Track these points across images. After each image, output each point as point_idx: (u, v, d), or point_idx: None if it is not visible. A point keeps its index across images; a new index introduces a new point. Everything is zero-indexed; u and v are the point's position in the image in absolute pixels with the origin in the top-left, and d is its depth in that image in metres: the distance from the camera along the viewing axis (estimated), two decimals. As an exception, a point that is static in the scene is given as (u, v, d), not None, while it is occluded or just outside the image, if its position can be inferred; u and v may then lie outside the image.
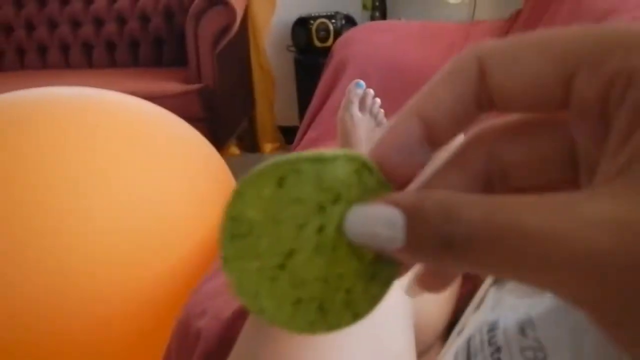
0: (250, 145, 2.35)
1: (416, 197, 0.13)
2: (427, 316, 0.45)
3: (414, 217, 0.13)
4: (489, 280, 0.39)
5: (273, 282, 0.16)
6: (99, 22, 2.22)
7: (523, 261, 0.12)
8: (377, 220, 0.14)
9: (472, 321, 0.36)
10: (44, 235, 0.73)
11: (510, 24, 1.27)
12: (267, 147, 2.33)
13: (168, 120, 0.97)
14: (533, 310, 0.26)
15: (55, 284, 0.73)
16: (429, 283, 0.17)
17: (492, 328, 0.28)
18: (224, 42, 1.86)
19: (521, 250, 0.12)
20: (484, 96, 0.15)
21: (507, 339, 0.26)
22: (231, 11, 1.79)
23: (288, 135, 2.31)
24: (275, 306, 0.16)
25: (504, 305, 0.30)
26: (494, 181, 0.16)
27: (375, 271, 0.16)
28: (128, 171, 0.82)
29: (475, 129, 0.16)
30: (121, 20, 2.20)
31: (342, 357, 0.32)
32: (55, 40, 2.24)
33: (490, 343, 0.27)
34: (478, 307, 0.37)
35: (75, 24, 2.23)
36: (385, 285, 0.16)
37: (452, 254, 0.13)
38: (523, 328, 0.26)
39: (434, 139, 0.15)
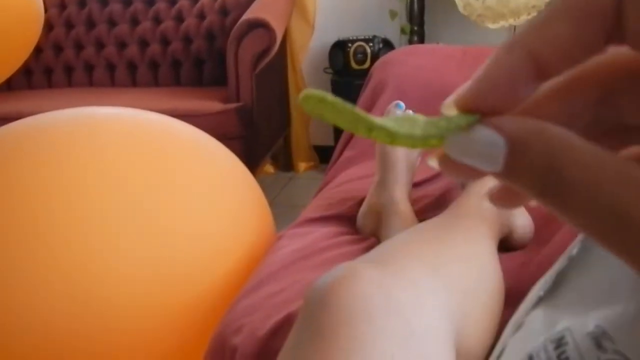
0: (285, 164, 2.37)
1: (522, 129, 0.13)
2: (468, 341, 0.43)
3: (515, 151, 0.13)
4: (527, 304, 0.38)
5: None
6: (143, 43, 2.31)
7: (620, 238, 0.12)
8: (479, 142, 0.14)
9: (515, 343, 0.35)
10: (75, 262, 0.74)
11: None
12: (302, 166, 2.34)
13: (201, 139, 0.98)
14: (604, 323, 0.25)
15: (91, 310, 0.73)
16: (502, 199, 0.16)
17: (559, 344, 0.27)
18: (263, 64, 1.90)
19: (621, 233, 0.12)
20: (616, 34, 0.13)
21: (581, 355, 0.25)
22: (272, 34, 1.83)
23: (323, 155, 2.32)
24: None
25: (561, 323, 0.29)
26: (599, 124, 0.15)
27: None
28: (161, 192, 0.82)
29: (595, 58, 0.14)
30: (165, 42, 2.28)
31: None
32: (102, 60, 2.34)
33: None
34: (517, 329, 0.36)
35: (121, 45, 2.33)
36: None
37: (546, 196, 0.13)
38: (599, 341, 0.24)
39: (540, 76, 0.14)
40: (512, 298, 0.54)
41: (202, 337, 0.73)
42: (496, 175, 0.14)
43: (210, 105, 1.85)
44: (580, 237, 0.37)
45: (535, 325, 0.33)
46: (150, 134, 0.91)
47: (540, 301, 0.36)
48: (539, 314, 0.34)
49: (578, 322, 0.27)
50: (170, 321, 0.78)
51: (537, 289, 0.36)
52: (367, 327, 0.34)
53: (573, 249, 0.37)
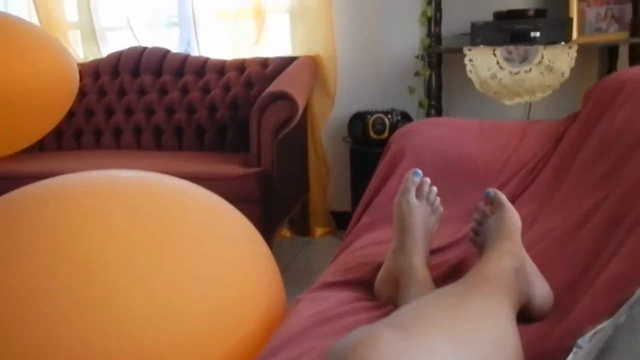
0: (302, 228, 2.38)
1: None
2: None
3: None
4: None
5: None
6: (170, 111, 2.41)
7: None
8: None
9: None
10: (84, 330, 0.72)
11: (568, 125, 1.29)
12: (318, 231, 2.35)
13: (215, 204, 0.97)
14: None
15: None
16: None
17: None
18: (284, 132, 1.96)
19: None
20: None
21: None
22: (294, 105, 1.91)
23: (340, 220, 2.33)
24: None
25: None
26: None
27: None
28: (170, 262, 0.80)
29: None
30: (191, 110, 2.39)
31: None
32: (130, 125, 2.45)
33: None
34: None
35: (149, 112, 2.44)
36: None
37: None
38: None
39: None
40: (533, 369, 0.53)
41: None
42: None
43: (232, 169, 1.90)
44: (627, 305, 0.38)
45: None
46: (163, 198, 0.91)
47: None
48: None
49: None
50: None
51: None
52: None
53: (621, 316, 0.37)
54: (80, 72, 2.50)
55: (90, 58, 2.63)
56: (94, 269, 0.77)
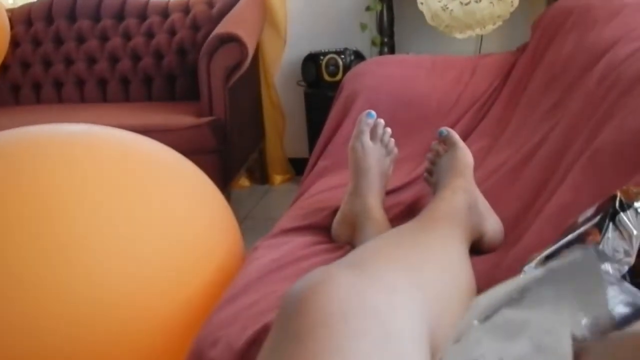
0: (260, 177, 2.37)
1: None
2: (443, 343, 0.44)
3: None
4: (471, 315, 0.39)
5: None
6: (114, 59, 2.28)
7: None
8: None
9: (451, 353, 0.36)
10: (32, 279, 0.73)
11: (517, 57, 1.30)
12: (277, 178, 2.34)
13: (169, 156, 0.97)
14: (505, 355, 0.27)
15: (65, 321, 0.72)
16: None
17: None
18: (235, 78, 1.90)
19: None
20: None
21: None
22: (243, 48, 1.84)
23: (298, 167, 2.32)
24: None
25: (482, 344, 0.30)
26: None
27: None
28: (127, 210, 0.81)
29: None
30: (135, 57, 2.26)
31: None
32: (71, 76, 2.31)
33: None
34: (458, 340, 0.37)
35: (91, 61, 2.30)
36: None
37: None
38: None
39: None
40: (484, 299, 0.55)
41: (179, 352, 0.72)
42: None
43: (183, 119, 1.84)
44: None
45: (471, 339, 0.35)
46: (118, 151, 0.90)
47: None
48: (476, 329, 0.35)
49: (490, 349, 0.29)
50: (144, 337, 0.76)
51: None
52: (343, 329, 0.34)
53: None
54: (10, 19, 2.31)
55: (20, 3, 2.42)
56: (42, 232, 0.75)
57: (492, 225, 0.74)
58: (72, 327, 0.73)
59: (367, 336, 0.35)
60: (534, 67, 1.13)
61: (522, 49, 1.32)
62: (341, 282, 0.38)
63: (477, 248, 0.72)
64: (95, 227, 0.77)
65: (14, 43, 2.33)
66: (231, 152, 1.91)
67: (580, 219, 0.48)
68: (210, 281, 0.84)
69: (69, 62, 2.31)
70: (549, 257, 0.45)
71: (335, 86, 1.55)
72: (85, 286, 0.74)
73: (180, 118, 1.85)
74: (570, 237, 0.44)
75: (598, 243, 0.41)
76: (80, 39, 2.31)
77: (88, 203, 0.79)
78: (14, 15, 2.35)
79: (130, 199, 0.83)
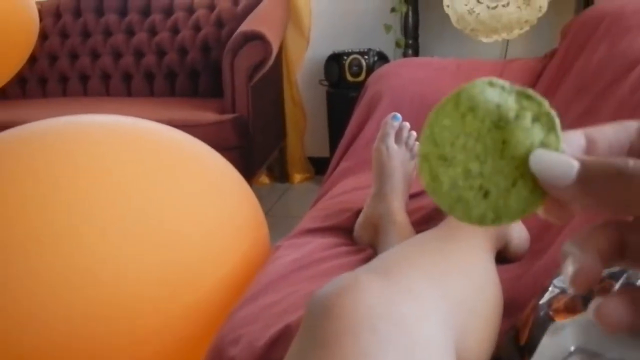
0: (280, 175, 2.37)
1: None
2: (469, 353, 0.44)
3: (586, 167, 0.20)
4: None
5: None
6: (139, 54, 2.31)
7: None
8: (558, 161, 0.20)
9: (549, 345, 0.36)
10: (70, 265, 0.74)
11: (545, 63, 1.28)
12: (297, 177, 2.35)
13: (199, 149, 0.98)
14: None
15: (85, 317, 0.73)
16: (554, 212, 0.21)
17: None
18: (259, 75, 1.90)
19: None
20: None
21: None
22: (267, 46, 1.85)
23: (318, 166, 2.32)
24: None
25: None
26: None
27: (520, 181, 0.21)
28: (157, 199, 0.82)
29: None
30: (160, 53, 2.29)
31: None
32: (97, 70, 2.34)
33: None
34: (555, 332, 0.37)
35: (117, 55, 2.33)
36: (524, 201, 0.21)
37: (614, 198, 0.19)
38: None
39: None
40: (509, 309, 0.55)
41: (199, 347, 0.73)
42: (567, 186, 0.20)
43: (206, 115, 1.85)
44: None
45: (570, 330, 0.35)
46: (149, 142, 0.92)
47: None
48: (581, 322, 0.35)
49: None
50: (165, 328, 0.77)
51: None
52: (370, 337, 0.34)
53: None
54: (39, 11, 2.35)
55: (49, -4, 2.47)
56: (80, 206, 0.77)
57: (518, 233, 0.73)
58: (94, 310, 0.74)
59: (394, 345, 0.34)
60: (564, 74, 1.11)
61: (551, 55, 1.30)
62: (368, 289, 0.37)
63: (501, 257, 0.71)
64: (125, 215, 0.79)
65: (42, 35, 2.37)
66: (253, 150, 1.92)
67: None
68: (236, 270, 0.85)
69: (95, 55, 2.35)
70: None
71: (358, 87, 1.55)
72: (110, 274, 0.75)
73: (203, 114, 1.87)
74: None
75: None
76: (107, 33, 2.34)
77: (118, 191, 0.80)
78: (43, 7, 2.40)
79: (160, 187, 0.84)
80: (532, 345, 0.42)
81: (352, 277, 0.39)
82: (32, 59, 2.35)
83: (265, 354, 0.61)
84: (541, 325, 0.42)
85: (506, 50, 2.10)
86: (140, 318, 0.75)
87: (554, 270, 0.51)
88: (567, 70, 1.13)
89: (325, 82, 2.16)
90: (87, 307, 0.73)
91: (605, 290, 0.40)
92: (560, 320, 0.40)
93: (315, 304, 0.38)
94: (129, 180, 0.82)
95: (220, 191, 0.92)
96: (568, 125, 0.83)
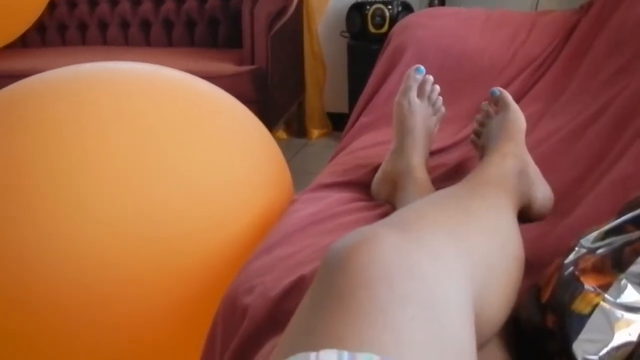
0: (298, 130, 2.35)
1: None
2: (488, 311, 0.43)
3: None
4: None
5: None
6: (158, 0, 2.26)
7: None
8: None
9: None
10: (87, 216, 0.74)
11: (580, 16, 1.21)
12: (315, 132, 2.32)
13: (222, 97, 0.97)
14: None
15: (99, 268, 0.74)
16: None
17: None
18: (279, 24, 1.85)
19: None
20: None
21: None
22: (288, -6, 1.79)
23: (336, 122, 2.29)
24: None
25: None
26: None
27: None
28: (182, 148, 0.82)
29: None
30: (179, 0, 2.24)
31: (402, 337, 0.31)
32: (116, 17, 2.31)
33: None
34: None
35: (136, 2, 2.29)
36: None
37: None
38: None
39: None
40: (531, 268, 0.53)
41: (214, 293, 0.74)
42: None
43: (225, 67, 1.82)
44: None
45: None
46: (174, 89, 0.91)
47: None
48: None
49: None
50: (182, 274, 0.78)
51: None
52: (387, 292, 0.33)
53: None
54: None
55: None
56: (106, 153, 0.77)
57: (543, 192, 0.70)
58: (111, 257, 0.75)
59: (412, 301, 0.33)
60: (600, 29, 1.05)
61: (587, 7, 1.22)
62: (387, 243, 0.36)
63: (524, 216, 0.69)
64: (149, 164, 0.78)
65: (62, -19, 2.34)
66: (271, 104, 1.89)
67: (646, 194, 0.44)
68: (257, 222, 0.85)
69: (114, 2, 2.31)
70: (609, 233, 0.42)
71: (381, 38, 1.49)
72: (132, 223, 0.75)
73: (221, 66, 1.84)
74: (638, 212, 0.41)
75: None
76: (126, -21, 2.29)
77: (142, 141, 0.80)
78: (60, -48, 2.35)
79: (185, 137, 0.83)
80: (554, 304, 0.41)
81: (370, 230, 0.38)
82: (52, 5, 2.32)
83: (278, 303, 0.61)
84: (565, 284, 0.41)
85: (537, 2, 2.00)
86: (163, 266, 0.76)
87: (580, 230, 0.49)
88: (603, 24, 1.07)
89: (347, 34, 2.10)
90: (109, 255, 0.74)
91: (636, 252, 0.38)
92: (587, 282, 0.39)
93: (332, 257, 0.37)
94: (153, 130, 0.81)
95: (245, 142, 0.91)
96: (599, 83, 0.79)
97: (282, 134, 2.31)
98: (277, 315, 0.60)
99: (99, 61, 1.06)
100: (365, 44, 2.01)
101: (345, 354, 0.29)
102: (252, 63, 1.84)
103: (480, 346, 0.43)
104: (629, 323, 0.38)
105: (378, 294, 0.33)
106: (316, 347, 0.30)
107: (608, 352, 0.37)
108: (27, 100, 0.84)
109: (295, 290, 0.61)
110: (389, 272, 0.34)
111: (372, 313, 0.32)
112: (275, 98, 1.93)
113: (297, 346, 0.31)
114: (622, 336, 0.37)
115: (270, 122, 1.92)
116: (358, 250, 0.35)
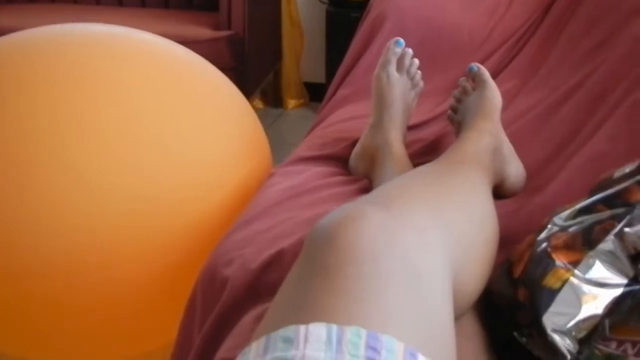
0: (274, 99, 2.32)
1: None
2: (465, 286, 0.44)
3: None
4: None
5: None
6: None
7: None
8: None
9: None
10: (66, 184, 0.73)
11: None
12: (291, 102, 2.30)
13: (201, 64, 0.95)
14: None
15: (79, 235, 0.73)
16: None
17: None
18: (256, -12, 1.81)
19: None
20: None
21: None
22: (266, -43, 1.73)
23: (313, 92, 2.27)
24: None
25: None
26: None
27: None
28: (159, 116, 0.81)
29: None
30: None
31: (388, 311, 0.32)
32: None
33: None
34: None
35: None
36: None
37: None
38: None
39: None
40: (503, 243, 0.55)
41: (194, 262, 0.74)
42: None
43: (200, 31, 1.77)
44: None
45: None
46: (149, 54, 0.88)
47: None
48: None
49: None
50: (161, 243, 0.78)
51: None
52: (373, 267, 0.34)
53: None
54: None
55: None
56: (78, 118, 0.76)
57: (515, 170, 0.72)
58: (96, 230, 0.74)
59: (397, 276, 0.34)
60: (578, 3, 1.06)
61: (566, -18, 1.23)
62: (372, 220, 0.37)
63: (497, 192, 0.71)
64: (125, 132, 0.77)
65: None
66: (247, 71, 1.86)
67: (617, 174, 0.46)
68: (239, 190, 0.85)
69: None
70: (581, 211, 0.44)
71: (361, 6, 1.47)
72: (109, 190, 0.75)
73: (197, 30, 1.79)
74: (608, 192, 0.43)
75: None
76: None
77: (116, 105, 0.78)
78: None
79: (161, 105, 0.82)
80: (526, 279, 0.43)
81: (355, 207, 0.39)
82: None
83: (258, 275, 0.61)
84: (538, 261, 0.43)
85: (517, -24, 1.99)
86: (141, 236, 0.76)
87: (552, 207, 0.51)
88: (581, 0, 1.08)
89: (326, 1, 2.06)
90: (88, 224, 0.74)
91: (605, 231, 0.40)
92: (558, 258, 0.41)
93: (318, 234, 0.37)
94: (128, 97, 0.80)
95: (224, 111, 0.90)
96: (576, 59, 0.79)
97: (258, 103, 2.28)
98: (257, 287, 0.61)
99: (69, 22, 1.02)
100: (345, 11, 1.98)
101: (334, 327, 0.30)
102: (229, 28, 1.79)
103: (456, 318, 0.45)
104: (595, 297, 0.40)
105: (364, 270, 0.34)
106: (305, 321, 0.31)
107: (575, 324, 0.39)
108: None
109: (275, 263, 0.61)
110: (375, 249, 0.35)
111: (359, 288, 0.33)
112: (252, 66, 1.90)
113: (286, 320, 0.32)
114: (589, 309, 0.39)
115: (246, 91, 1.89)
116: (344, 227, 0.36)
